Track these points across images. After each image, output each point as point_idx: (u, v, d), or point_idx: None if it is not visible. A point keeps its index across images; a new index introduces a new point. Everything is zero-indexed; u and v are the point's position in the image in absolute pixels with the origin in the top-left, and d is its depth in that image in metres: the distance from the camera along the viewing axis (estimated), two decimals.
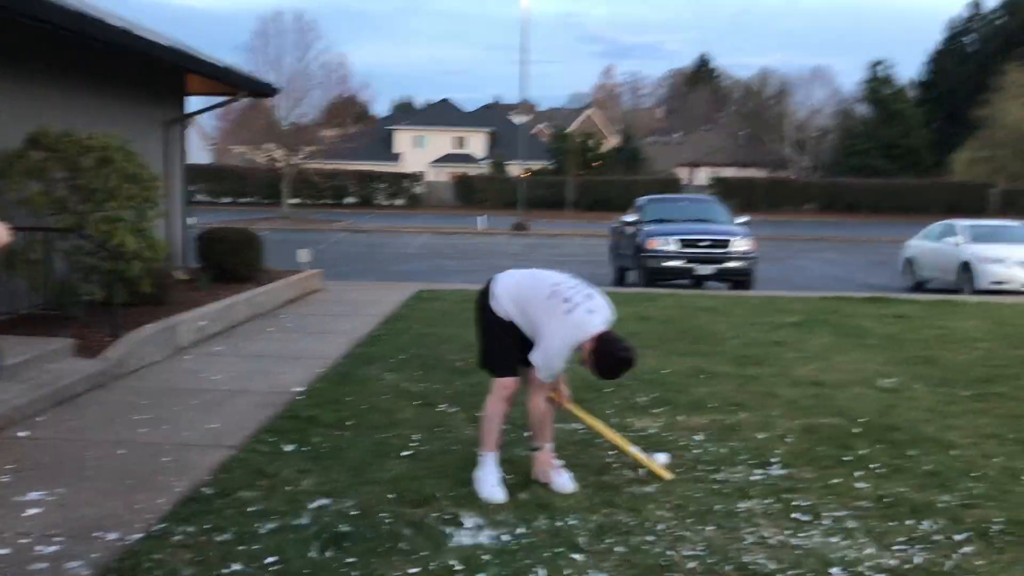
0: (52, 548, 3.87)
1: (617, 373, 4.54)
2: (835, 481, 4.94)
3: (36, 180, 8.11)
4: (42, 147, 8.13)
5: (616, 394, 6.86)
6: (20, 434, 5.54)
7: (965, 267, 16.02)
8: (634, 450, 5.05)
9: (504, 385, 4.73)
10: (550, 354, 4.49)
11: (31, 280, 7.82)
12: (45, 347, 6.92)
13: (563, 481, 4.75)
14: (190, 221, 13.44)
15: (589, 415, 5.25)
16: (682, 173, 62.05)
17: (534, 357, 4.54)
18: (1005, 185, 47.40)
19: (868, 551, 4.01)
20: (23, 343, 6.97)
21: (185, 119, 13.08)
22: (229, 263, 11.67)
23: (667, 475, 4.90)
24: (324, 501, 4.50)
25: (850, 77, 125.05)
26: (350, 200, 53.05)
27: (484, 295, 4.82)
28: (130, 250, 8.23)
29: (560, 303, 4.53)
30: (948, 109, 57.28)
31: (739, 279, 15.55)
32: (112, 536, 4.01)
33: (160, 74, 11.59)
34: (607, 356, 4.44)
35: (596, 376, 4.56)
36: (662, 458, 5.11)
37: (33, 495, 4.50)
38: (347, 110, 47.55)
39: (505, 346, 4.73)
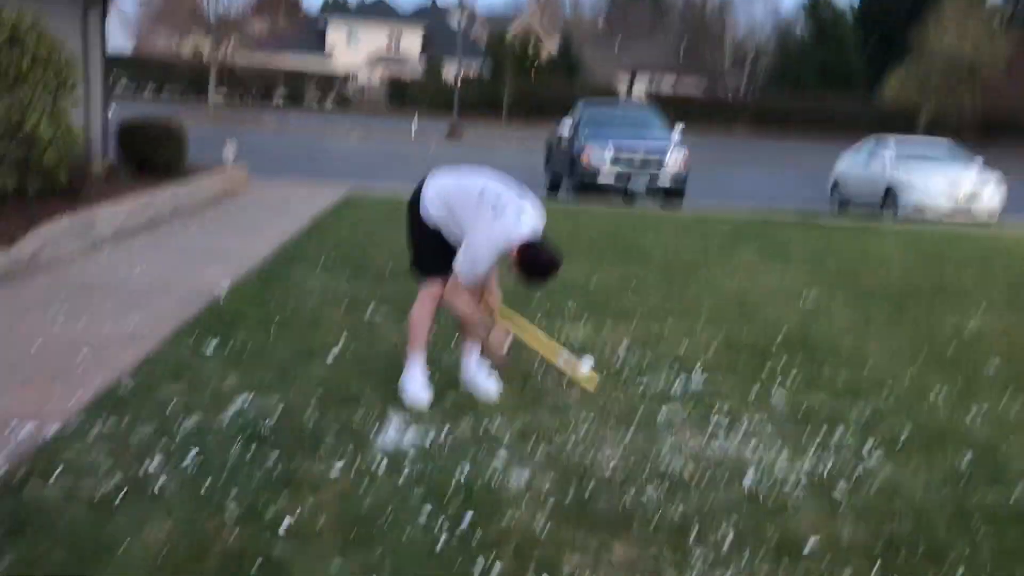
0: None
1: (543, 278, 4.50)
2: (754, 388, 5.08)
3: None
4: None
5: (545, 301, 6.89)
6: None
7: (888, 192, 16.31)
8: (561, 362, 5.03)
9: (431, 288, 4.68)
10: (475, 259, 4.42)
11: None
12: None
13: (489, 386, 4.77)
14: (111, 111, 12.86)
15: (519, 322, 5.24)
16: (621, 80, 61.63)
17: (457, 261, 4.47)
18: (934, 107, 48.36)
19: (782, 456, 4.15)
20: None
21: (106, 3, 12.38)
22: (151, 156, 11.26)
23: (591, 387, 4.93)
24: (247, 399, 4.45)
25: None
26: (279, 100, 51.49)
27: (415, 198, 4.73)
28: (44, 137, 7.85)
29: (488, 208, 4.45)
30: (883, 32, 57.72)
31: (671, 194, 15.64)
32: (27, 428, 3.91)
33: None
34: (533, 261, 4.38)
35: (523, 282, 4.53)
36: (588, 362, 5.15)
37: None
38: (278, 2, 45.72)
39: (433, 249, 4.65)
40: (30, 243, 7.00)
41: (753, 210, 14.24)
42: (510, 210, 4.45)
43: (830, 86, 55.66)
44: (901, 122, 47.71)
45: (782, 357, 5.74)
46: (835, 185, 18.52)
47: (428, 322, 4.75)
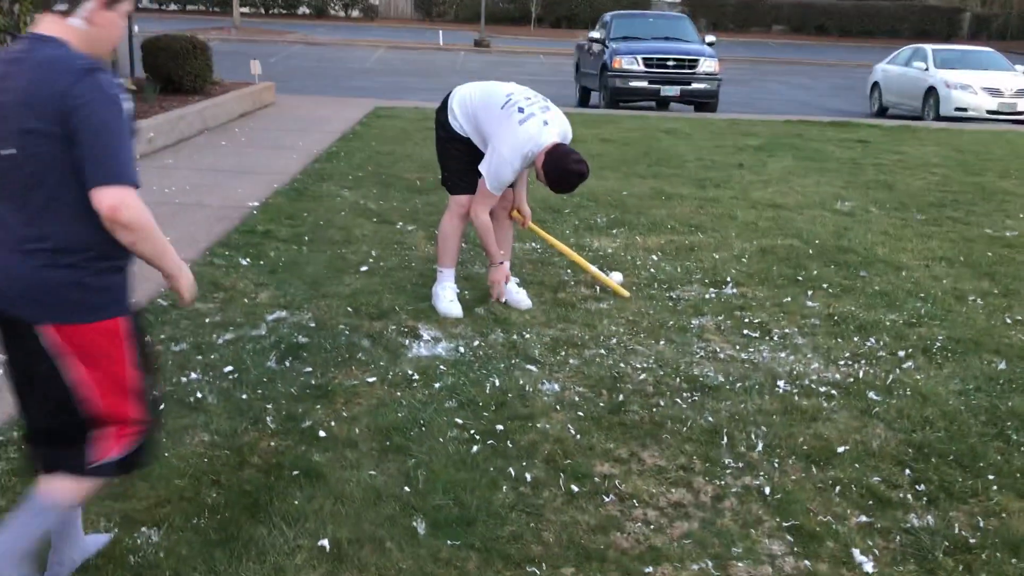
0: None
1: (569, 185, 4.46)
2: (786, 300, 5.04)
3: None
4: None
5: (575, 215, 6.85)
6: None
7: (930, 92, 15.91)
8: (592, 268, 5.08)
9: (460, 203, 4.66)
10: (500, 164, 4.38)
11: None
12: None
13: (519, 298, 4.78)
14: (135, 29, 12.75)
15: (548, 235, 5.23)
16: None
17: (482, 166, 4.44)
18: (979, 9, 46.59)
19: (814, 365, 4.14)
20: None
21: None
22: (177, 74, 11.18)
23: (624, 293, 4.96)
24: (281, 314, 4.50)
25: None
26: (304, 10, 50.70)
27: (442, 110, 4.67)
28: None
29: (514, 112, 4.40)
30: None
31: (704, 101, 15.33)
32: None
33: None
34: (558, 167, 4.33)
35: (550, 188, 4.49)
36: (617, 277, 5.15)
37: None
38: None
39: (462, 164, 4.62)
40: None
41: (788, 118, 13.93)
42: (536, 117, 4.39)
43: None
44: (943, 26, 46.12)
45: (816, 266, 5.69)
46: (874, 87, 18.05)
47: (457, 236, 4.75)
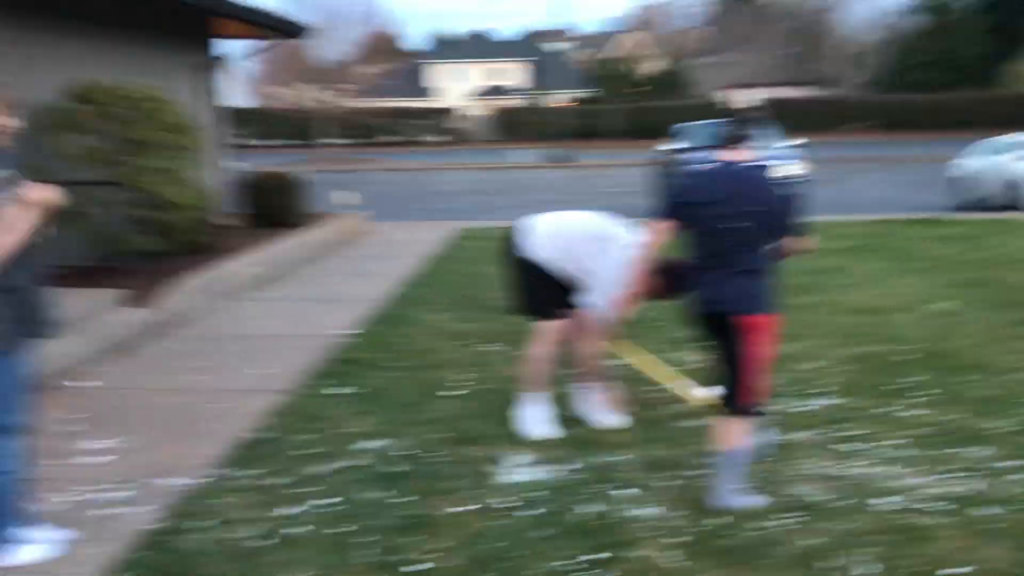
0: (121, 494, 4.01)
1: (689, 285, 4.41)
2: (888, 410, 4.90)
3: (81, 134, 8.20)
4: (86, 100, 8.19)
5: (661, 330, 6.84)
6: (87, 384, 5.71)
7: (1013, 185, 15.45)
8: (682, 387, 5.04)
9: (553, 328, 4.72)
10: (611, 289, 4.47)
11: (83, 234, 7.96)
12: (101, 299, 7.07)
13: (610, 418, 4.77)
14: (242, 165, 13.52)
15: (634, 351, 5.22)
16: (736, 95, 60.55)
17: (594, 298, 4.52)
18: None
19: (922, 480, 3.99)
20: (80, 295, 7.12)
21: (220, 62, 13.05)
22: (274, 208, 11.74)
23: (710, 403, 4.84)
24: (379, 442, 4.59)
25: None
26: (393, 138, 52.94)
27: (513, 241, 4.77)
28: (175, 200, 8.33)
29: (613, 238, 4.52)
30: (1006, 16, 54.92)
31: None
32: (180, 481, 4.14)
33: (191, 18, 11.55)
34: (676, 272, 4.24)
35: (666, 298, 4.48)
36: (702, 392, 5.07)
37: (100, 443, 4.65)
38: (386, 46, 47.14)
39: (546, 290, 4.70)
40: (169, 300, 7.42)
41: (872, 218, 13.75)
42: (633, 238, 4.47)
43: (951, 77, 53.22)
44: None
45: (917, 372, 5.53)
46: (958, 180, 17.68)
47: (547, 362, 4.78)
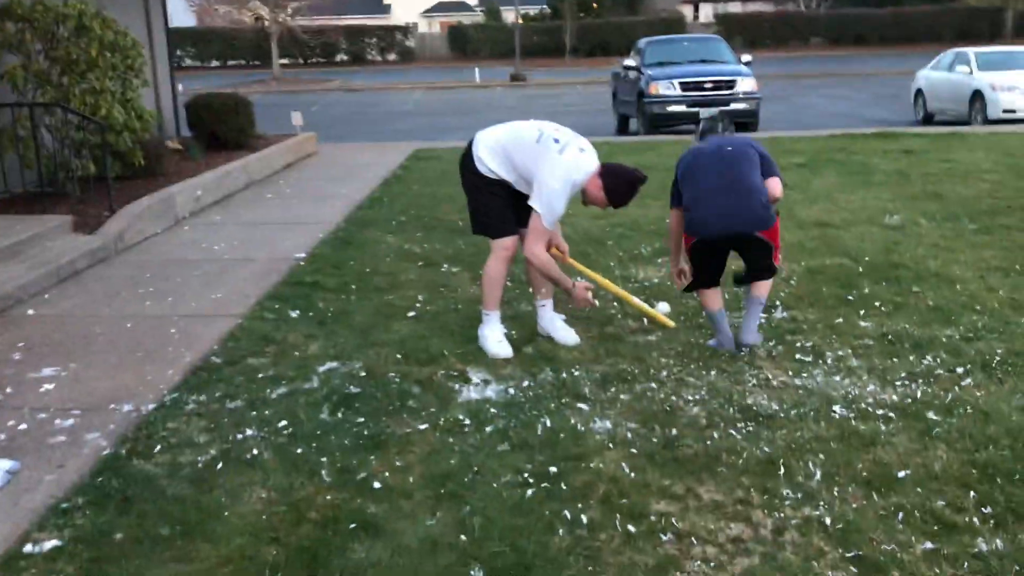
0: (69, 421, 3.95)
1: (632, 194, 4.56)
2: (838, 321, 4.97)
3: (13, 53, 7.86)
4: (15, 17, 7.83)
5: (619, 246, 6.85)
6: (28, 312, 5.57)
7: (976, 96, 15.63)
8: (637, 301, 5.07)
9: (504, 246, 4.69)
10: (551, 195, 4.43)
11: (21, 158, 7.70)
12: (43, 225, 6.88)
13: (566, 335, 4.78)
14: (179, 88, 13.11)
15: (588, 269, 5.23)
16: (686, 11, 59.88)
17: (534, 203, 4.48)
18: (1020, 7, 45.72)
19: (870, 388, 4.07)
20: (20, 222, 6.93)
21: None
22: (221, 130, 11.46)
23: (670, 323, 4.93)
24: (332, 365, 4.56)
25: None
26: (341, 58, 51.67)
27: (467, 158, 4.71)
28: (118, 122, 8.06)
29: (551, 144, 4.47)
30: None
31: (744, 120, 15.23)
32: (127, 407, 4.09)
33: None
34: (622, 179, 4.50)
35: (612, 204, 4.55)
36: (664, 307, 5.13)
37: (46, 371, 4.56)
38: None
39: (498, 206, 4.65)
40: (114, 225, 7.24)
41: (831, 132, 13.78)
42: (572, 145, 4.46)
43: None
44: (985, 26, 45.39)
45: (867, 283, 5.60)
46: (918, 95, 17.80)
47: (502, 278, 4.77)
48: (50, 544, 2.99)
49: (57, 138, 7.87)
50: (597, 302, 4.73)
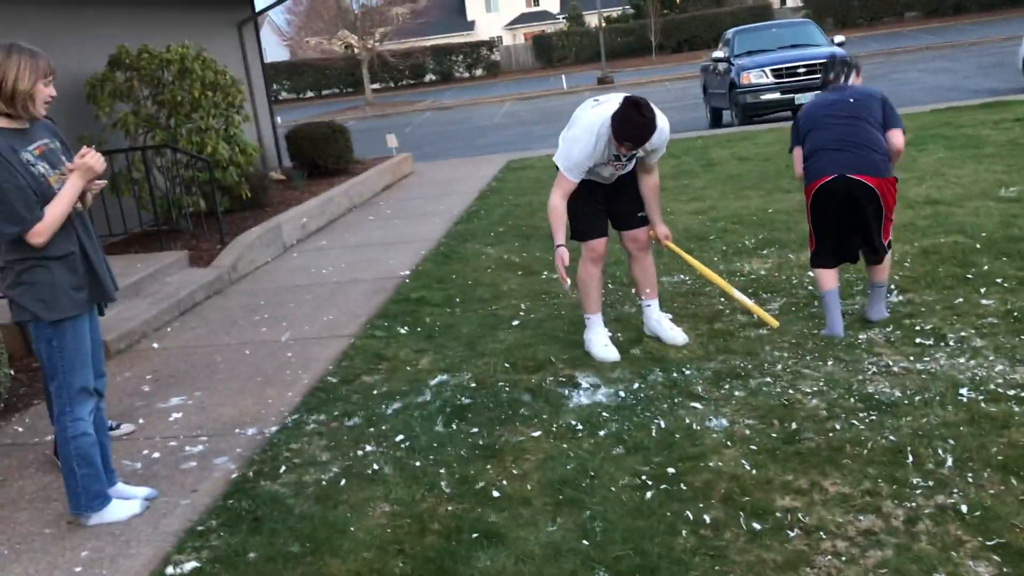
0: (198, 447, 4.12)
1: (625, 124, 4.19)
2: (958, 301, 4.76)
3: (123, 101, 8.27)
4: (124, 67, 8.25)
5: (721, 240, 6.74)
6: (153, 345, 5.84)
7: None
8: (739, 295, 4.95)
9: (589, 247, 4.68)
10: (571, 143, 4.40)
11: (137, 199, 8.09)
12: (161, 261, 7.20)
13: (675, 334, 4.72)
14: (277, 121, 13.56)
15: (695, 260, 5.14)
16: None
17: (557, 153, 4.53)
18: None
19: (998, 368, 3.89)
20: (140, 260, 7.27)
21: (256, 16, 13.02)
22: (320, 158, 11.79)
23: (774, 322, 4.77)
24: (443, 377, 4.62)
25: None
26: (430, 77, 52.49)
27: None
28: (224, 157, 8.39)
29: (589, 102, 4.50)
30: None
31: None
32: (251, 431, 4.24)
33: None
34: (619, 114, 4.19)
35: (616, 139, 4.24)
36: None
37: (174, 400, 4.77)
38: None
39: (582, 208, 4.63)
40: (227, 257, 7.53)
41: (934, 106, 13.25)
42: (610, 103, 4.36)
43: None
44: None
45: (986, 261, 5.36)
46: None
47: (595, 280, 4.74)
48: (190, 565, 3.12)
49: (168, 177, 8.25)
50: (568, 283, 4.45)
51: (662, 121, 4.33)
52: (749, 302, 4.91)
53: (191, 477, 3.82)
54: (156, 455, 4.10)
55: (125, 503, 3.54)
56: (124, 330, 5.84)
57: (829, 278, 4.60)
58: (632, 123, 4.18)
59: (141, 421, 4.53)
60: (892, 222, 4.56)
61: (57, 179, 3.23)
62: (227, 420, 4.42)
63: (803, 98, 14.69)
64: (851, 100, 4.55)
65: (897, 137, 4.51)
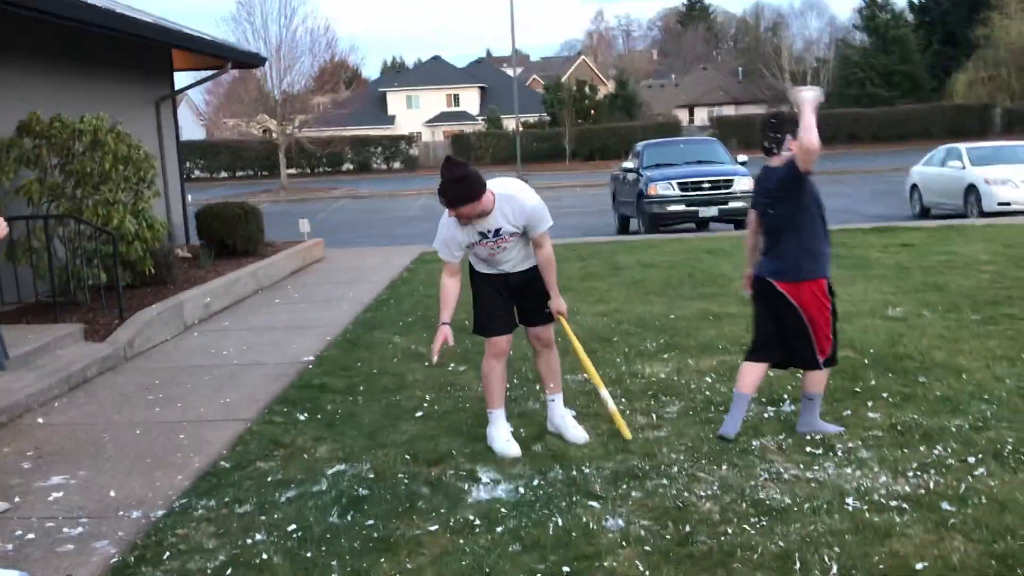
0: (78, 529, 3.92)
1: (443, 193, 4.38)
2: (846, 413, 4.96)
3: (30, 168, 8.09)
4: (33, 134, 8.09)
5: (624, 342, 6.88)
6: (38, 420, 5.58)
7: (971, 190, 15.90)
8: (605, 395, 4.84)
9: (491, 343, 4.74)
10: (440, 224, 4.62)
11: (35, 268, 7.83)
12: (54, 333, 6.95)
13: (576, 433, 4.77)
14: (188, 198, 13.40)
15: (579, 345, 4.99)
16: (681, 115, 61.45)
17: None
18: (1009, 104, 46.77)
19: (882, 479, 4.04)
20: (32, 331, 7.00)
21: (175, 95, 12.99)
22: (230, 238, 11.66)
23: (627, 433, 4.70)
24: (341, 467, 4.54)
25: (846, 5, 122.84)
26: (347, 167, 52.79)
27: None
28: (129, 232, 8.23)
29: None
30: (946, 31, 56.39)
31: (742, 218, 15.47)
32: (136, 514, 4.06)
33: (146, 52, 11.50)
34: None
35: (445, 203, 4.42)
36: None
37: (55, 479, 4.55)
38: (337, 75, 47.06)
39: (487, 303, 4.73)
40: (124, 333, 7.31)
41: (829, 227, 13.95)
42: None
43: (896, 91, 54.51)
44: (974, 123, 46.33)
45: (873, 375, 5.61)
46: (913, 190, 18.10)
47: (496, 376, 4.77)
48: None
49: (69, 248, 8.02)
50: (436, 358, 4.60)
51: (526, 196, 4.50)
52: (612, 407, 4.82)
53: (67, 560, 3.62)
54: (31, 536, 3.88)
55: None
56: (7, 403, 5.58)
57: (751, 377, 4.77)
58: (443, 182, 4.37)
59: (17, 499, 4.29)
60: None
61: None
62: (111, 502, 4.23)
63: (707, 211, 15.34)
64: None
65: None
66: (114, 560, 3.62)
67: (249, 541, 3.74)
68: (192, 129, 52.03)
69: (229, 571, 3.48)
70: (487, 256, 4.63)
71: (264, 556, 3.59)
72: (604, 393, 4.84)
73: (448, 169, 4.33)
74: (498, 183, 4.55)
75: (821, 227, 4.62)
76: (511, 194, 4.50)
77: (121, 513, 4.08)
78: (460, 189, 4.32)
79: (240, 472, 4.54)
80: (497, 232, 4.50)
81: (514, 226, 4.50)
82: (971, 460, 4.18)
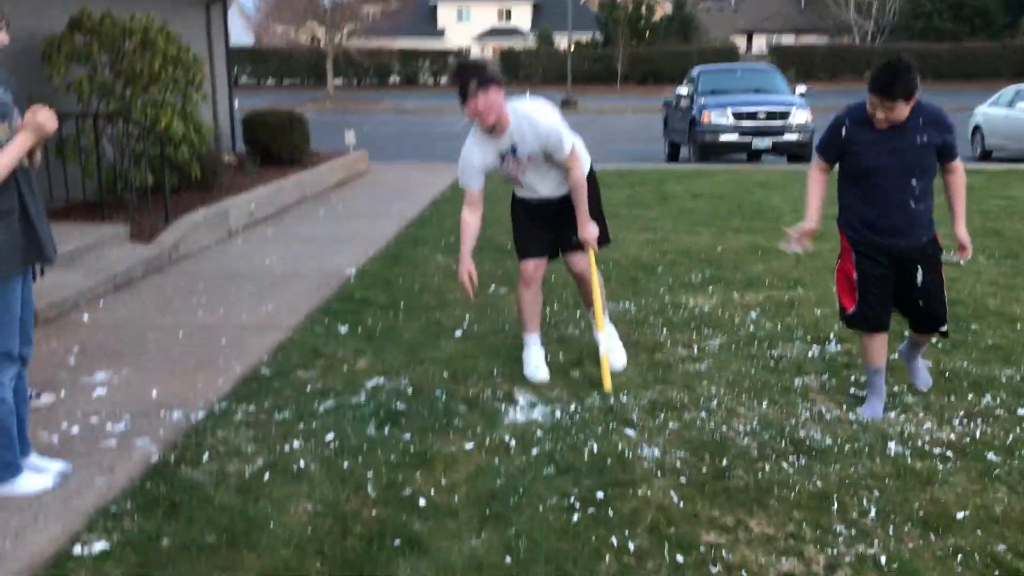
0: (120, 426, 3.99)
1: (457, 69, 4.41)
2: (893, 357, 4.86)
3: (81, 64, 8.06)
4: (84, 30, 8.04)
5: (669, 272, 6.79)
6: (84, 317, 5.67)
7: None
8: (603, 338, 4.62)
9: (521, 267, 4.70)
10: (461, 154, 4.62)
11: (83, 167, 7.87)
12: (101, 233, 7.01)
13: (615, 358, 4.72)
14: (235, 104, 13.34)
15: (597, 275, 4.74)
16: (739, 41, 59.74)
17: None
18: None
19: (927, 426, 3.96)
20: (79, 229, 7.07)
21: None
22: (275, 146, 11.63)
23: (608, 386, 4.42)
24: (380, 380, 4.56)
25: None
26: (394, 79, 52.30)
27: None
28: (177, 134, 8.21)
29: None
30: None
31: (797, 152, 15.11)
32: (176, 415, 4.12)
33: None
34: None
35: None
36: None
37: (99, 375, 4.63)
38: None
39: (519, 226, 4.70)
40: (170, 236, 7.36)
41: None
42: None
43: (965, 26, 52.42)
44: None
45: None
46: (976, 131, 17.49)
47: (527, 301, 4.70)
48: (99, 546, 3.01)
49: (117, 148, 8.04)
50: (471, 295, 4.55)
51: (542, 117, 4.37)
52: (604, 351, 4.55)
53: (109, 456, 3.69)
54: (75, 430, 3.96)
55: (37, 476, 3.41)
56: (55, 298, 5.66)
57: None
58: (456, 69, 4.38)
59: (63, 393, 4.38)
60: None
61: (5, 132, 3.11)
62: (152, 401, 4.29)
63: (761, 143, 14.97)
64: None
65: None
66: (154, 458, 3.68)
67: (287, 448, 3.78)
68: (241, 34, 51.66)
69: (267, 476, 3.52)
70: (513, 177, 4.55)
71: (301, 464, 3.63)
72: (600, 336, 4.63)
73: (462, 63, 4.33)
74: (519, 102, 4.43)
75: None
76: (527, 112, 4.37)
77: (162, 413, 4.15)
78: (472, 73, 4.24)
79: (280, 380, 4.58)
80: (514, 151, 4.39)
81: (530, 146, 4.37)
82: (1020, 412, 4.08)
